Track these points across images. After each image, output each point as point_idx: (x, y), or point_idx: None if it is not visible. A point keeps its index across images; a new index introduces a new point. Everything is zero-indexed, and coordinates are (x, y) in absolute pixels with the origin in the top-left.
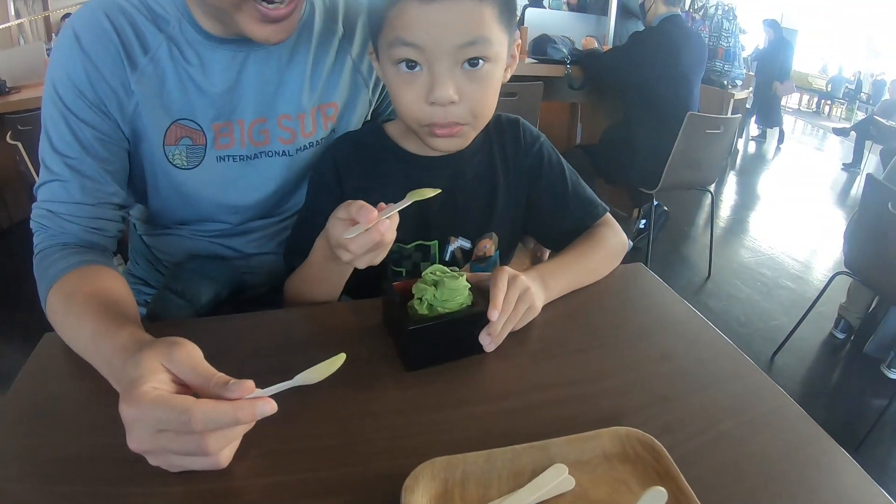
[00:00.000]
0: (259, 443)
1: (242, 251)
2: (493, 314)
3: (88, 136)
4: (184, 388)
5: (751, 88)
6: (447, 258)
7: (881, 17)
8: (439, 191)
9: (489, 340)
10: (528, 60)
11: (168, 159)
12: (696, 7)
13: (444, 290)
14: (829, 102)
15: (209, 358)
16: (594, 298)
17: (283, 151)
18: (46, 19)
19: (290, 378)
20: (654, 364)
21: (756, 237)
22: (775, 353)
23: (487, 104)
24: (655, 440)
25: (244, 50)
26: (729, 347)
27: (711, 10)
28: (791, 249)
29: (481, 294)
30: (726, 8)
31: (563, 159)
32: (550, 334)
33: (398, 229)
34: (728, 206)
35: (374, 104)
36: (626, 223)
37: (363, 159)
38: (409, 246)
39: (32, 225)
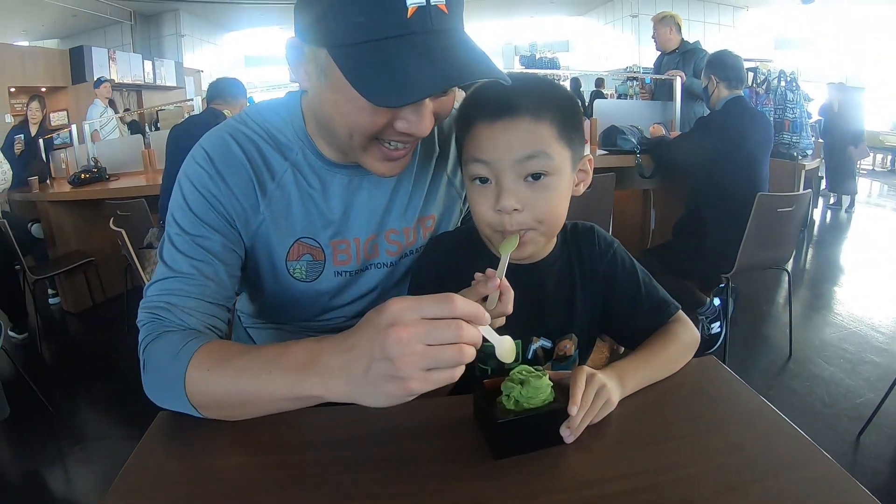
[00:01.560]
0: None
1: None
2: (573, 409)
3: (217, 242)
4: None
5: (822, 157)
6: (530, 356)
7: None
8: (518, 238)
9: (569, 433)
10: (599, 152)
11: (289, 273)
12: (758, 81)
13: (529, 388)
14: None
15: (312, 445)
16: (668, 392)
17: (390, 263)
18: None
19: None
20: (724, 454)
21: (838, 312)
22: (861, 431)
23: (551, 212)
24: None
25: (359, 175)
26: (798, 436)
27: (774, 83)
28: (875, 321)
29: (562, 391)
30: (788, 78)
31: (636, 262)
32: (627, 427)
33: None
34: (807, 281)
35: (464, 212)
36: (701, 311)
37: (459, 261)
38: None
39: (144, 316)
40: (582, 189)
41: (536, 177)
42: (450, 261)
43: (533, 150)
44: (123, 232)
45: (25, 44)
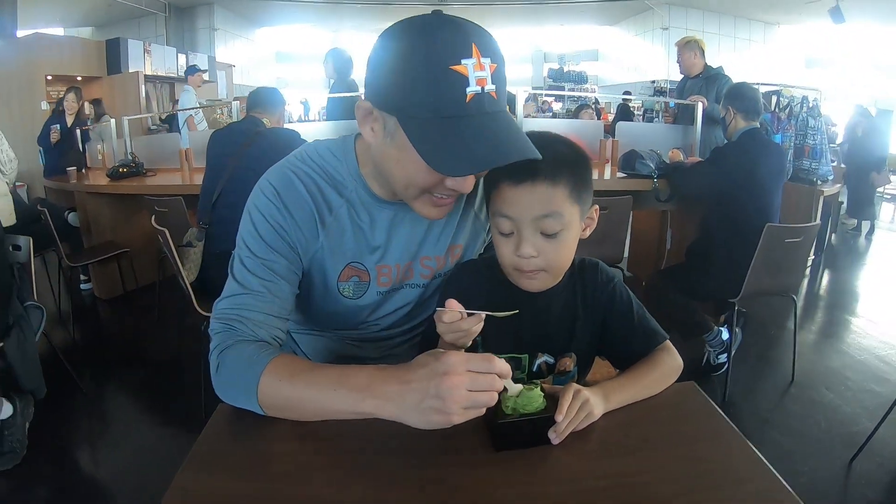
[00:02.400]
0: None
1: (374, 356)
2: (558, 417)
3: (283, 265)
4: None
5: (841, 184)
6: (535, 369)
7: None
8: (516, 311)
9: (555, 436)
10: (618, 175)
11: (339, 291)
12: (781, 106)
13: (524, 397)
14: None
15: (353, 436)
16: (648, 410)
17: (422, 284)
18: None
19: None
20: (689, 465)
21: (846, 339)
22: (854, 457)
23: (561, 258)
24: None
25: (402, 210)
26: (755, 455)
27: (797, 109)
28: (881, 351)
29: (553, 401)
30: (811, 105)
31: (632, 295)
32: (609, 436)
33: (499, 342)
34: (820, 307)
35: (486, 241)
36: (709, 340)
37: (481, 287)
38: (504, 356)
39: (218, 326)
40: (588, 233)
41: (550, 230)
42: (473, 286)
43: (548, 211)
44: (167, 231)
45: (61, 31)
